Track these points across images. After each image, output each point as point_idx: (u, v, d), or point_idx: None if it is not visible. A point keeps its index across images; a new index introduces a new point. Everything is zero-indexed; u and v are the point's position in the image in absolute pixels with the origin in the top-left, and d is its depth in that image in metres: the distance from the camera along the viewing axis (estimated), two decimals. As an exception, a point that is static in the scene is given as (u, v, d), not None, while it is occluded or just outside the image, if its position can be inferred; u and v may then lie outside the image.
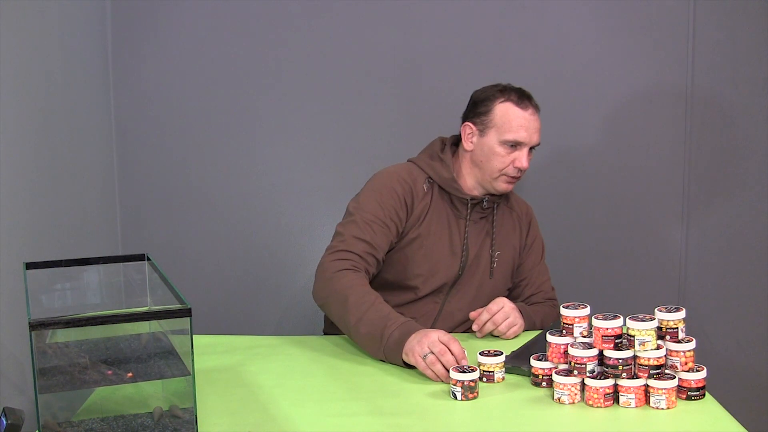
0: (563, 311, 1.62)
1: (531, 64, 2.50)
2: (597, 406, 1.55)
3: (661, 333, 1.58)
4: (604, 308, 1.64)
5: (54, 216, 2.02)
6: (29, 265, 1.65)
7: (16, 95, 1.82)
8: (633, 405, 1.54)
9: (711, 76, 2.49)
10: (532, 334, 1.97)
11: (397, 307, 2.00)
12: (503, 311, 1.96)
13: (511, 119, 2.03)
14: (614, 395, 1.55)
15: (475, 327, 1.98)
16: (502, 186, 2.08)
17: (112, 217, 2.52)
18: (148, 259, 1.73)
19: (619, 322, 1.56)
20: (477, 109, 2.08)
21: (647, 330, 1.54)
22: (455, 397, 1.60)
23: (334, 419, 1.53)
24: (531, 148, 2.06)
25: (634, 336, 1.54)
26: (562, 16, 2.48)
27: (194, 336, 1.38)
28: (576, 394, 1.57)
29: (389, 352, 1.77)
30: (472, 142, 2.09)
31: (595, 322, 1.57)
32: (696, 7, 2.46)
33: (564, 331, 1.62)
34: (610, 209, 2.57)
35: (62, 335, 1.43)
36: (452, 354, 1.68)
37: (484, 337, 1.99)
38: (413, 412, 1.56)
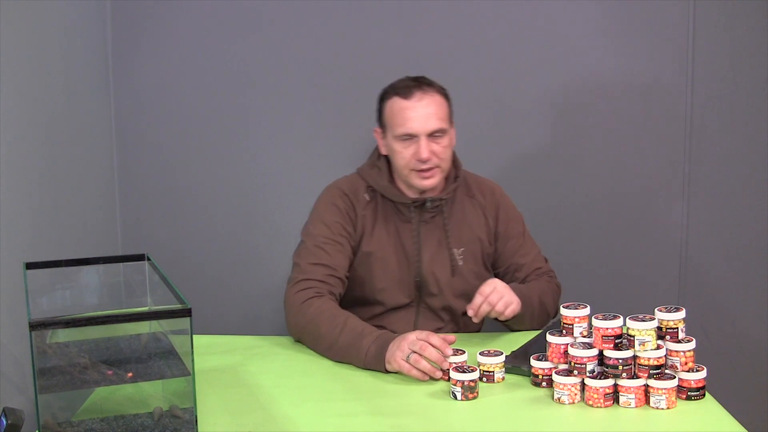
0: (563, 311, 1.62)
1: (530, 64, 2.50)
2: (597, 406, 1.55)
3: (661, 333, 1.58)
4: (604, 308, 1.64)
5: (54, 216, 2.02)
6: (29, 265, 1.65)
7: (16, 95, 1.82)
8: (633, 405, 1.54)
9: (711, 76, 2.49)
10: (532, 334, 1.97)
11: (372, 319, 2.01)
12: (496, 291, 1.89)
13: (396, 113, 1.98)
14: (614, 395, 1.55)
15: (470, 312, 1.90)
16: (417, 181, 2.00)
17: (112, 217, 2.52)
18: (148, 259, 1.73)
19: (619, 322, 1.56)
20: (377, 112, 2.06)
21: (647, 330, 1.54)
22: (455, 397, 1.60)
23: (334, 419, 1.53)
24: (437, 135, 1.97)
25: (634, 336, 1.54)
26: (561, 16, 2.48)
27: (194, 336, 1.38)
28: (576, 394, 1.57)
29: (371, 367, 1.76)
30: (384, 146, 2.06)
31: (595, 322, 1.57)
32: (696, 7, 2.46)
33: (564, 331, 1.62)
34: (610, 209, 2.57)
35: (62, 335, 1.43)
36: (434, 347, 1.68)
37: (485, 334, 1.98)
38: (413, 412, 1.56)
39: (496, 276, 2.11)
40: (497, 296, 1.88)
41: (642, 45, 2.49)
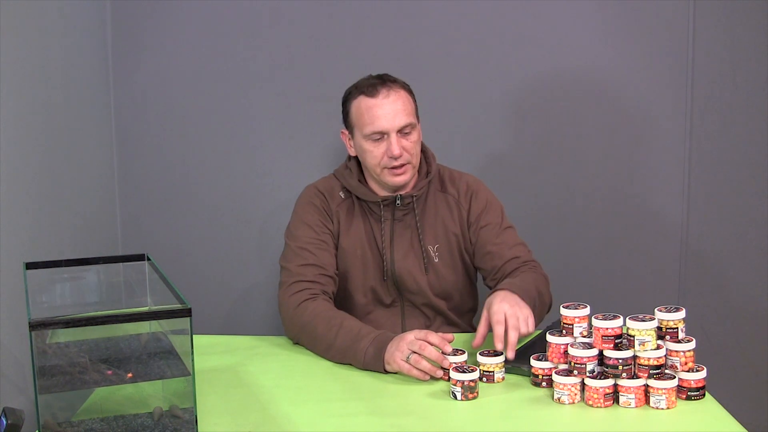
0: (563, 311, 1.62)
1: (531, 64, 2.49)
2: (597, 406, 1.55)
3: (661, 333, 1.58)
4: (604, 308, 1.64)
5: (54, 216, 2.02)
6: (29, 265, 1.65)
7: (16, 95, 1.82)
8: (633, 405, 1.54)
9: (711, 76, 2.49)
10: (532, 334, 1.96)
11: (361, 316, 2.01)
12: (509, 315, 1.73)
13: (364, 112, 1.97)
14: (614, 395, 1.55)
15: (499, 346, 1.71)
16: (390, 179, 2.00)
17: (112, 217, 2.52)
18: (148, 259, 1.73)
19: (619, 322, 1.56)
20: (343, 114, 2.05)
21: (647, 330, 1.54)
22: (455, 397, 1.60)
23: (334, 419, 1.53)
24: (406, 131, 1.97)
25: (634, 336, 1.54)
26: (561, 16, 2.48)
27: (194, 336, 1.38)
28: (576, 394, 1.57)
29: (370, 368, 1.76)
30: (352, 147, 2.06)
31: (595, 322, 1.57)
32: (696, 7, 2.46)
33: (564, 331, 1.62)
34: (609, 209, 2.57)
35: (62, 335, 1.43)
36: (434, 345, 1.68)
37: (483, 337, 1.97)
38: (413, 412, 1.56)
39: (474, 267, 2.10)
40: (514, 319, 1.73)
41: (642, 45, 2.49)
